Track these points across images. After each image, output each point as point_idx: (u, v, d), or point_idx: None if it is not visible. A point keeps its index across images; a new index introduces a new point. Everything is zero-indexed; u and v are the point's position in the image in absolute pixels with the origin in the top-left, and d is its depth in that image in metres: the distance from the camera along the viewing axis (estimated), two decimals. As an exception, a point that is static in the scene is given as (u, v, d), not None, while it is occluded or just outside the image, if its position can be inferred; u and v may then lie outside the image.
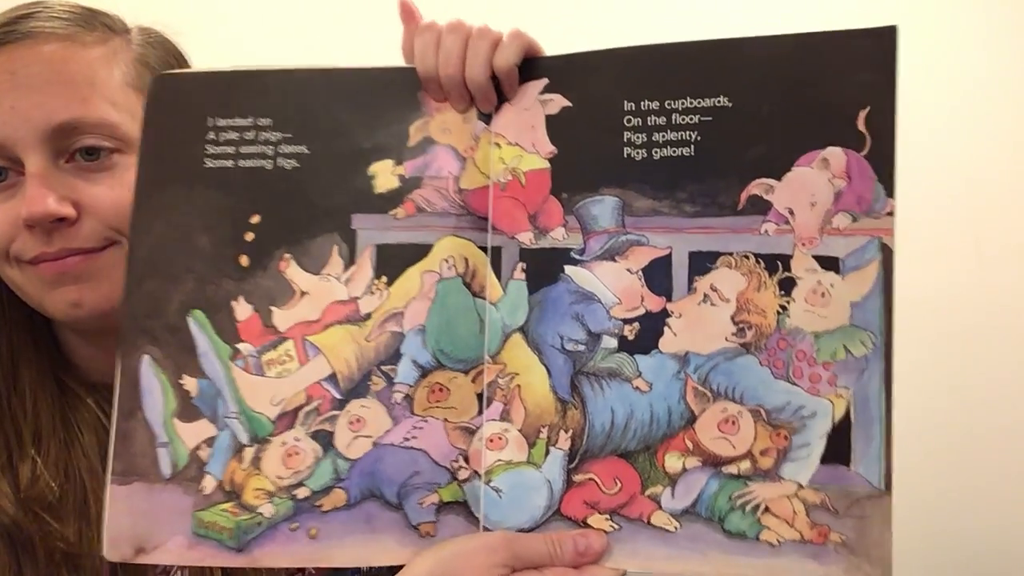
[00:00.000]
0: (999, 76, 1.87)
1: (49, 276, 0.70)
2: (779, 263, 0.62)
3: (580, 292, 0.65)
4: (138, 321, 0.64)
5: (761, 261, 0.63)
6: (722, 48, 0.63)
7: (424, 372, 0.65)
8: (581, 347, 0.65)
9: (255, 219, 0.65)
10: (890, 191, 0.61)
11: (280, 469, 0.63)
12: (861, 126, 0.61)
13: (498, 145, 0.65)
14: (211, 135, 0.66)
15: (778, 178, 0.62)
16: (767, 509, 0.62)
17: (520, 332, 0.65)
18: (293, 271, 0.64)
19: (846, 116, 0.61)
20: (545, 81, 0.65)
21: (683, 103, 0.63)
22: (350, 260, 0.64)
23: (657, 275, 0.64)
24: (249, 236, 0.64)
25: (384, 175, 0.65)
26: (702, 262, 0.63)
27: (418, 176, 0.65)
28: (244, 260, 0.64)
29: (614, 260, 0.64)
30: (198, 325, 0.64)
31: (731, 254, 0.63)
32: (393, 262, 0.65)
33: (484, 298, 0.65)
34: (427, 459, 0.65)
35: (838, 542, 0.61)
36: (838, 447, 0.62)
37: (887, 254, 0.61)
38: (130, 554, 0.62)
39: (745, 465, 0.63)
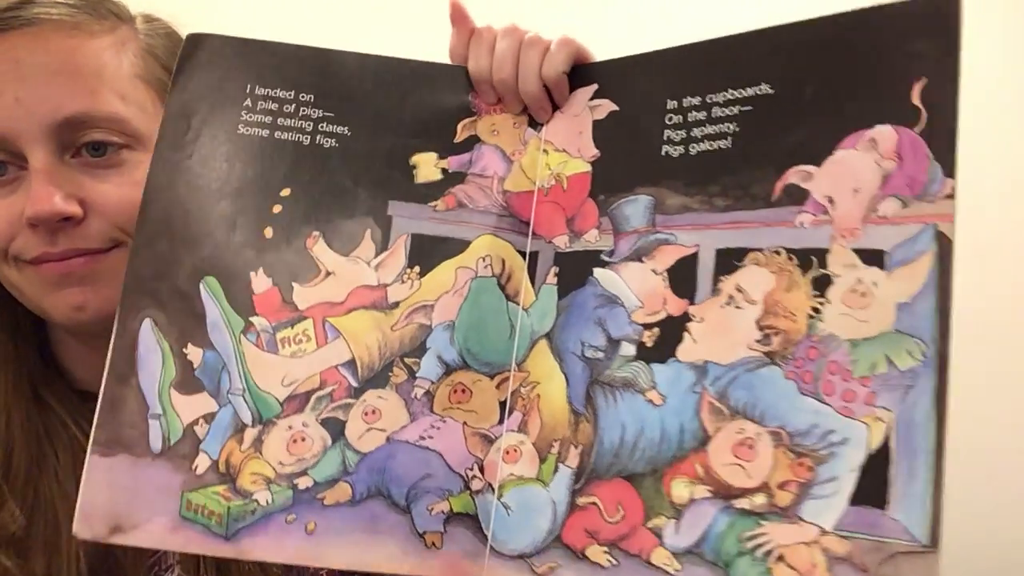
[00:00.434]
0: None
1: (52, 277, 0.66)
2: (814, 258, 0.53)
3: (605, 295, 0.60)
4: (144, 282, 0.61)
5: (794, 256, 0.53)
6: (766, 35, 0.58)
7: (448, 370, 0.62)
8: (600, 354, 0.59)
9: (285, 192, 0.63)
10: (949, 170, 0.49)
11: (283, 454, 0.60)
12: (916, 100, 0.51)
13: (546, 152, 0.65)
14: (248, 102, 0.64)
15: (818, 164, 0.54)
16: (781, 558, 0.50)
17: (546, 338, 0.62)
18: (320, 249, 0.62)
19: (898, 90, 0.52)
20: (595, 87, 0.64)
21: (724, 95, 0.58)
22: (383, 246, 0.63)
23: (682, 276, 0.57)
24: (277, 208, 0.63)
25: (426, 166, 0.64)
26: (729, 260, 0.56)
27: (462, 172, 0.64)
28: (269, 232, 0.62)
29: (641, 261, 0.59)
30: (210, 293, 0.61)
31: (761, 250, 0.55)
32: (428, 253, 0.63)
33: (517, 303, 0.63)
34: (441, 463, 0.62)
35: (864, 609, 0.47)
36: (872, 485, 0.48)
37: (944, 244, 0.49)
38: (103, 532, 0.57)
39: (760, 499, 0.52)
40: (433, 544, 0.60)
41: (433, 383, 0.62)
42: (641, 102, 0.62)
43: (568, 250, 0.62)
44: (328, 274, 0.63)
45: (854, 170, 0.52)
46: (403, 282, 0.63)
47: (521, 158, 0.65)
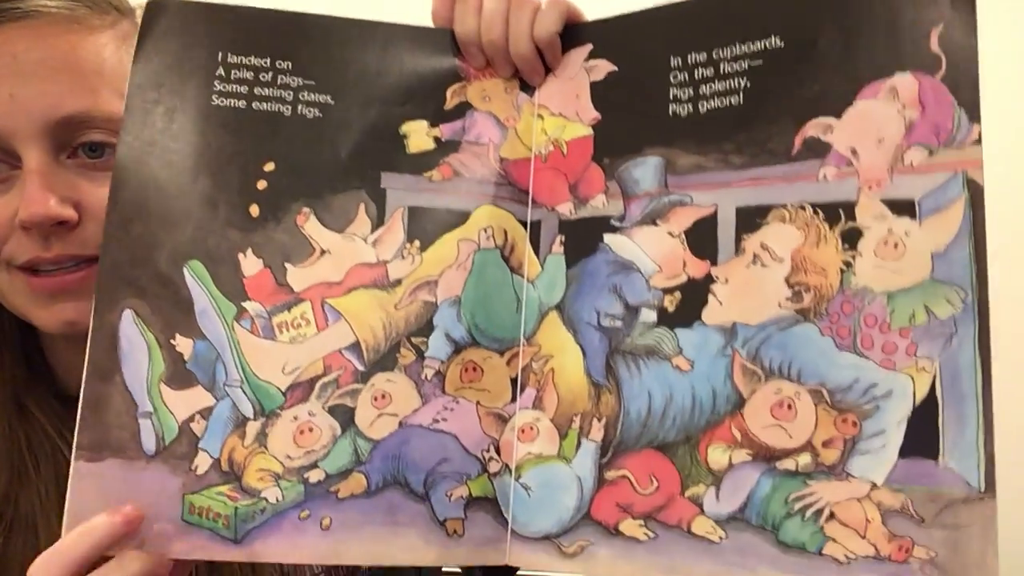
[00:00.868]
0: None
1: (43, 292, 0.63)
2: (841, 212, 0.52)
3: (618, 262, 0.58)
4: (120, 269, 0.56)
5: (820, 211, 0.52)
6: None
7: (457, 348, 0.59)
8: (618, 323, 0.57)
9: (269, 167, 0.59)
10: (974, 115, 0.49)
11: (290, 447, 0.56)
12: (934, 46, 0.51)
13: (541, 117, 0.62)
14: (220, 71, 0.60)
15: (838, 116, 0.53)
16: (832, 515, 0.50)
17: (556, 310, 0.59)
18: (312, 226, 0.59)
19: (915, 37, 0.51)
20: (589, 47, 0.61)
21: (731, 50, 0.57)
22: (379, 220, 0.59)
23: (701, 237, 0.56)
24: (261, 184, 0.58)
25: (418, 135, 0.61)
26: (751, 218, 0.54)
27: (455, 140, 0.61)
28: (254, 210, 0.58)
29: (655, 224, 0.57)
30: (196, 278, 0.57)
31: (784, 206, 0.53)
32: (427, 226, 0.60)
33: (522, 275, 0.61)
34: (457, 445, 0.59)
35: (925, 559, 0.47)
36: (922, 435, 0.48)
37: (975, 190, 0.49)
38: None
39: (804, 459, 0.51)
40: (455, 532, 0.58)
41: (443, 363, 0.59)
42: (642, 61, 0.60)
43: (574, 217, 0.60)
44: (323, 252, 0.59)
45: (876, 120, 0.52)
46: (403, 258, 0.60)
47: (516, 124, 0.62)
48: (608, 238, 0.58)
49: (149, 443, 0.55)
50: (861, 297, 0.51)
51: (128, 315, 0.56)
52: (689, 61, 0.58)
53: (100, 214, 0.61)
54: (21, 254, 0.62)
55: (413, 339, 0.59)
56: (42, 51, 0.61)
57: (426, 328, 0.59)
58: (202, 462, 0.56)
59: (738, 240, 0.55)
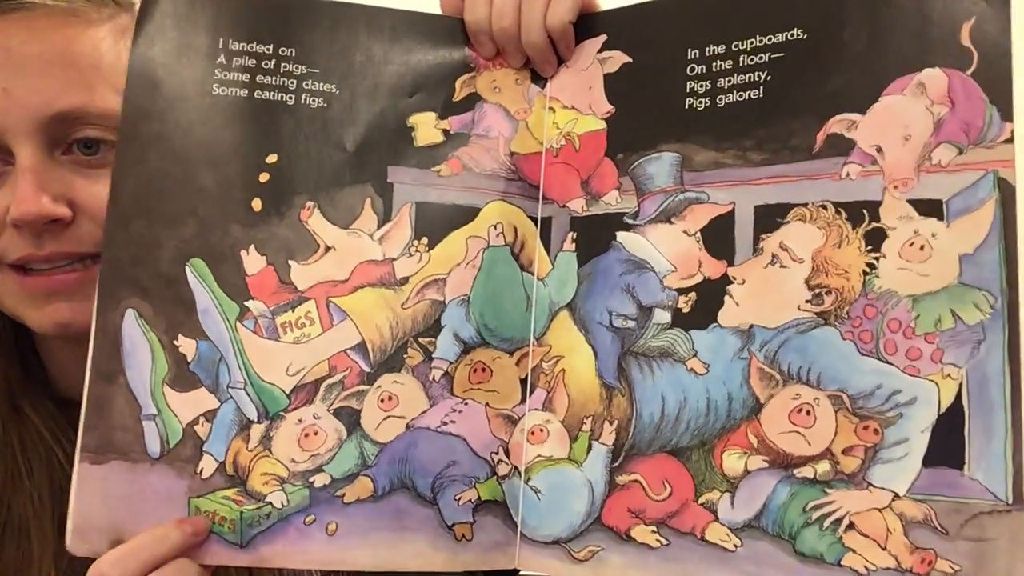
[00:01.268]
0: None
1: (37, 292, 0.61)
2: (865, 212, 0.50)
3: (632, 260, 0.56)
4: (122, 269, 0.55)
5: (842, 211, 0.51)
6: None
7: (466, 348, 0.58)
8: (631, 323, 0.56)
9: (272, 159, 0.57)
10: (1007, 113, 0.47)
11: (295, 451, 0.55)
12: (965, 40, 0.49)
13: (552, 110, 0.60)
14: (221, 58, 0.57)
15: (862, 112, 0.51)
16: (852, 525, 0.48)
17: (567, 309, 0.58)
18: (317, 221, 0.56)
19: (945, 31, 0.49)
20: (603, 38, 0.59)
21: (751, 42, 0.55)
22: (385, 216, 0.57)
23: (718, 236, 0.54)
24: (264, 177, 0.56)
25: (426, 128, 0.59)
26: (770, 217, 0.53)
27: (464, 133, 0.59)
28: (257, 204, 0.56)
29: (670, 222, 0.56)
30: (198, 277, 0.55)
31: (805, 205, 0.52)
32: (435, 223, 0.58)
33: (532, 273, 0.59)
34: (466, 448, 0.57)
35: (948, 573, 0.45)
36: (947, 444, 0.47)
37: (1006, 191, 0.47)
38: (103, 546, 0.52)
39: (823, 467, 0.49)
40: (464, 536, 0.56)
41: (451, 363, 0.58)
42: (658, 53, 0.58)
43: (586, 214, 0.58)
44: (328, 249, 0.57)
45: (903, 117, 0.50)
46: (411, 255, 0.58)
47: (527, 117, 0.60)
48: (621, 236, 0.57)
49: (153, 446, 0.54)
50: (885, 300, 0.49)
51: (131, 315, 0.55)
52: (707, 53, 0.56)
53: (95, 212, 0.59)
54: (13, 251, 0.60)
55: (421, 339, 0.57)
56: (37, 45, 0.59)
57: (434, 328, 0.58)
58: (207, 465, 0.55)
59: (756, 240, 0.53)
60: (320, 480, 0.55)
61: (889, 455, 0.48)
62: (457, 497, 0.56)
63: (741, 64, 0.55)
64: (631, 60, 0.59)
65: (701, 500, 0.52)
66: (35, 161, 0.59)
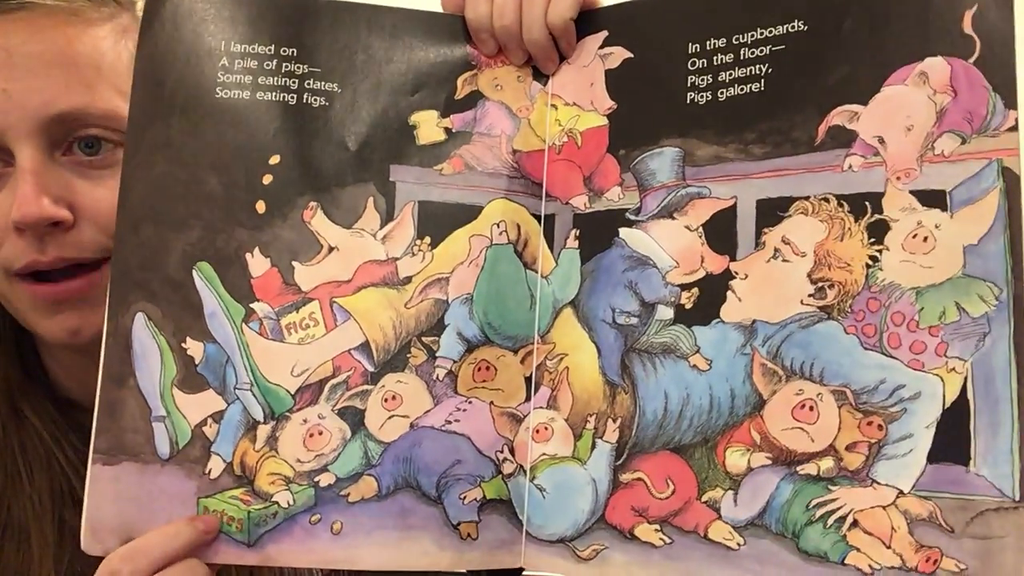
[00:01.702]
0: None
1: (46, 302, 0.61)
2: (867, 204, 0.49)
3: (634, 257, 0.56)
4: (131, 273, 0.55)
5: (844, 203, 0.50)
6: None
7: (470, 347, 0.58)
8: (634, 320, 0.55)
9: (275, 160, 0.57)
10: (1010, 100, 0.46)
11: (300, 451, 0.55)
12: (968, 28, 0.48)
13: (555, 107, 0.60)
14: (224, 61, 0.57)
15: (864, 103, 0.50)
16: (856, 523, 0.47)
17: (571, 306, 0.57)
18: (320, 222, 0.57)
19: (947, 19, 0.48)
20: (605, 34, 0.59)
21: (752, 35, 0.54)
22: (388, 215, 0.57)
23: (720, 231, 0.53)
24: (267, 179, 0.56)
25: (428, 126, 0.59)
26: (772, 211, 0.52)
27: (467, 131, 0.59)
28: (261, 206, 0.56)
29: (672, 217, 0.55)
30: (205, 280, 0.56)
31: (807, 198, 0.51)
32: (438, 222, 0.58)
33: (536, 270, 0.59)
34: (471, 447, 0.57)
35: (954, 572, 0.44)
36: (952, 440, 0.46)
37: (1011, 180, 0.46)
38: (115, 546, 0.53)
39: (827, 464, 0.48)
40: (469, 535, 0.56)
41: (455, 362, 0.58)
42: (659, 47, 0.57)
43: (589, 211, 0.58)
44: (331, 249, 0.57)
45: (905, 106, 0.49)
46: (414, 255, 0.58)
47: (529, 114, 0.60)
48: (624, 232, 0.56)
49: (163, 447, 0.55)
50: (888, 293, 0.48)
51: (140, 318, 0.55)
52: (708, 47, 0.56)
53: (96, 215, 0.60)
54: (18, 258, 0.60)
55: (424, 338, 0.57)
56: (37, 45, 0.59)
57: (437, 327, 0.58)
58: (215, 466, 0.55)
59: (758, 234, 0.52)
60: (325, 480, 0.56)
61: (893, 451, 0.47)
62: (462, 496, 0.56)
63: (742, 57, 0.54)
64: (632, 56, 0.58)
65: (704, 498, 0.51)
66: (36, 162, 0.59)
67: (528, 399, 0.58)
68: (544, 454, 0.57)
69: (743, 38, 0.54)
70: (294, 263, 0.57)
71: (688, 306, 0.54)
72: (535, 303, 0.58)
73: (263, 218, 0.57)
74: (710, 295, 0.53)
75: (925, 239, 0.47)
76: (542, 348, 0.58)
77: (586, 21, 0.59)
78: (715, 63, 0.55)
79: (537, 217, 0.59)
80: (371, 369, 0.57)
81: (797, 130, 0.52)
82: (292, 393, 0.56)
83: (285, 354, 0.56)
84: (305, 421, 0.56)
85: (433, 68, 0.60)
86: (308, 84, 0.58)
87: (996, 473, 0.44)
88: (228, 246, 0.56)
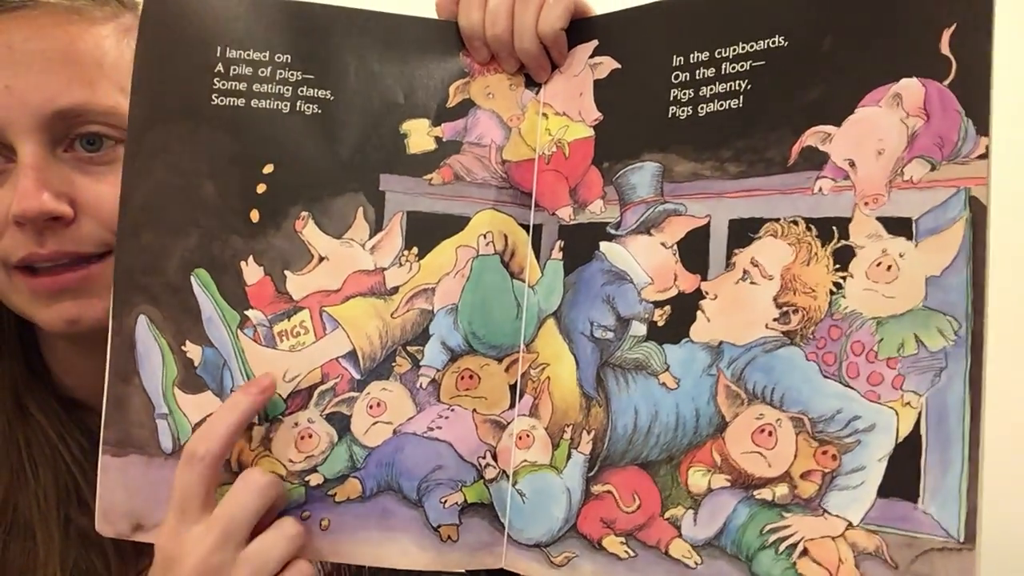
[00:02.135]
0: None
1: (44, 291, 0.62)
2: (835, 229, 0.48)
3: (613, 271, 0.56)
4: (134, 276, 0.57)
5: (813, 227, 0.49)
6: None
7: (453, 356, 0.59)
8: (609, 334, 0.56)
9: (268, 169, 0.58)
10: (983, 127, 0.44)
11: (292, 452, 0.58)
12: (945, 49, 0.46)
13: (545, 116, 0.60)
14: (220, 67, 0.58)
15: (838, 123, 0.49)
16: (806, 551, 0.47)
17: (553, 317, 0.58)
18: (311, 232, 0.58)
19: (925, 39, 0.46)
20: (595, 43, 0.59)
21: (734, 50, 0.53)
22: (377, 226, 0.59)
23: (693, 249, 0.53)
24: (261, 188, 0.58)
25: (419, 135, 0.59)
26: (744, 231, 0.51)
27: (457, 140, 0.60)
28: (255, 215, 0.58)
29: (649, 233, 0.55)
30: (202, 286, 0.58)
31: (777, 220, 0.50)
32: (426, 232, 0.59)
33: (523, 280, 0.60)
34: (452, 453, 0.59)
35: (895, 609, 0.44)
36: (902, 475, 0.45)
37: (978, 210, 0.44)
38: (127, 530, 0.57)
39: (781, 490, 0.48)
40: (449, 537, 0.58)
41: (438, 371, 0.59)
42: (646, 59, 0.57)
43: (573, 222, 0.58)
44: (321, 259, 0.59)
45: (877, 129, 0.47)
46: (401, 265, 0.59)
47: (520, 124, 0.61)
48: (604, 246, 0.57)
49: (166, 442, 0.58)
50: (850, 322, 0.47)
51: (143, 321, 0.58)
52: (691, 60, 0.55)
53: (96, 211, 0.61)
54: (16, 251, 0.61)
55: (409, 347, 0.59)
56: (40, 42, 0.60)
57: (422, 336, 0.59)
58: None
59: (729, 254, 0.52)
60: (314, 480, 0.58)
61: (845, 482, 0.46)
62: (443, 500, 0.58)
63: (723, 72, 0.53)
64: (620, 66, 0.58)
65: (667, 515, 0.52)
66: (37, 158, 0.59)
67: (512, 406, 0.59)
68: (525, 460, 0.58)
69: (725, 52, 0.54)
70: (286, 272, 0.59)
71: (660, 323, 0.54)
72: (522, 312, 0.60)
73: (257, 227, 0.59)
74: (681, 313, 0.53)
75: (889, 268, 0.46)
76: (527, 356, 0.59)
77: (578, 30, 0.59)
78: (697, 77, 0.54)
79: (525, 227, 0.60)
80: (357, 377, 0.59)
81: (771, 149, 0.51)
82: (284, 398, 0.59)
83: (277, 360, 0.59)
84: (296, 424, 0.59)
85: (426, 75, 0.61)
86: (301, 91, 0.59)
87: (943, 512, 0.43)
88: (224, 254, 0.58)
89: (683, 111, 0.55)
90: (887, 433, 0.45)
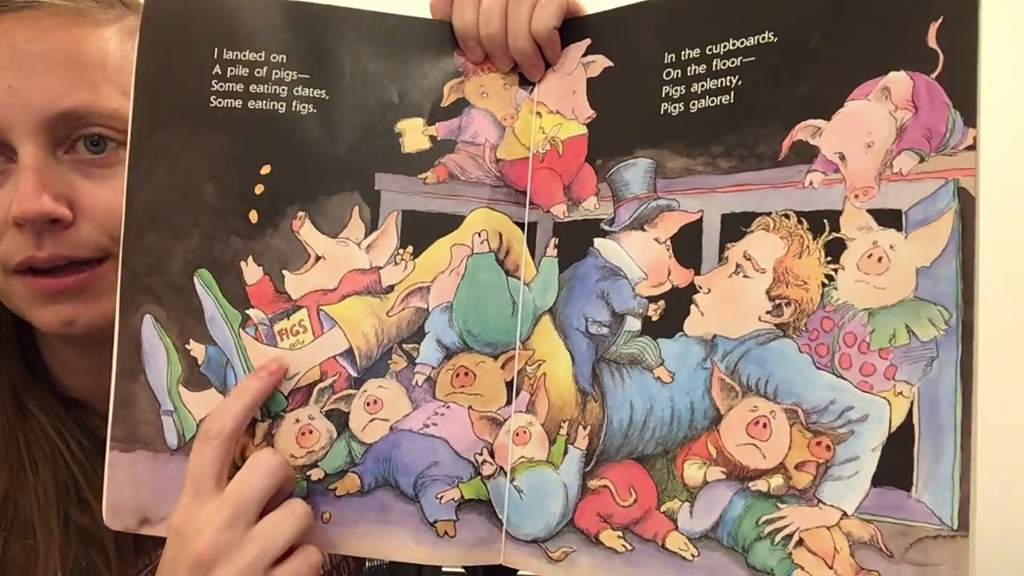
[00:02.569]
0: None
1: (42, 293, 0.62)
2: (826, 222, 0.49)
3: (607, 267, 0.57)
4: (138, 277, 0.58)
5: (804, 220, 0.50)
6: None
7: (449, 354, 0.60)
8: (604, 330, 0.56)
9: (265, 170, 0.59)
10: (970, 119, 0.45)
11: (294, 447, 0.59)
12: (932, 42, 0.46)
13: (539, 114, 0.61)
14: (218, 69, 0.59)
15: (828, 117, 0.49)
16: (801, 542, 0.48)
17: (549, 314, 0.59)
18: (307, 232, 0.59)
19: (912, 32, 0.47)
20: (588, 42, 0.59)
21: (725, 46, 0.54)
22: (372, 224, 0.59)
23: (686, 244, 0.54)
24: (259, 189, 0.58)
25: (413, 134, 0.60)
26: (736, 225, 0.52)
27: (451, 139, 0.60)
28: (253, 216, 0.58)
29: (643, 229, 0.56)
30: (204, 287, 0.58)
31: (769, 214, 0.51)
32: (421, 231, 0.59)
33: (518, 278, 0.60)
34: (448, 449, 0.60)
35: (890, 597, 0.44)
36: (896, 464, 0.45)
37: (967, 201, 0.45)
38: (134, 524, 0.58)
39: (776, 481, 0.49)
40: (446, 533, 0.59)
41: (434, 368, 0.60)
42: (638, 56, 0.57)
43: (567, 219, 0.59)
44: (318, 259, 0.60)
45: (866, 122, 0.48)
46: (396, 264, 0.60)
47: (514, 123, 0.61)
48: (598, 243, 0.57)
49: (172, 438, 0.59)
50: (842, 314, 0.48)
51: (148, 320, 0.59)
52: (683, 57, 0.55)
53: (95, 214, 0.61)
54: (15, 253, 0.61)
55: (405, 345, 0.60)
56: (43, 44, 0.60)
57: (417, 334, 0.60)
58: None
59: (722, 249, 0.52)
60: (315, 474, 0.59)
61: (840, 472, 0.47)
62: (439, 496, 0.59)
63: (714, 68, 0.54)
64: (613, 64, 0.58)
65: (663, 508, 0.52)
66: (37, 160, 0.60)
67: (509, 403, 0.60)
68: (522, 456, 0.58)
69: (716, 49, 0.54)
70: (284, 272, 0.59)
71: (655, 318, 0.54)
72: (517, 309, 0.60)
73: (255, 227, 0.59)
74: (675, 308, 0.54)
75: (879, 259, 0.47)
76: (523, 353, 0.59)
77: (571, 29, 0.60)
78: (688, 74, 0.55)
79: (519, 224, 0.60)
80: (354, 374, 0.59)
81: (762, 144, 0.51)
82: (285, 395, 0.59)
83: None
84: (297, 421, 0.59)
85: (420, 75, 0.61)
86: (297, 91, 0.59)
87: (936, 500, 0.44)
88: (224, 254, 0.59)
89: (675, 108, 0.55)
90: (880, 423, 0.46)
